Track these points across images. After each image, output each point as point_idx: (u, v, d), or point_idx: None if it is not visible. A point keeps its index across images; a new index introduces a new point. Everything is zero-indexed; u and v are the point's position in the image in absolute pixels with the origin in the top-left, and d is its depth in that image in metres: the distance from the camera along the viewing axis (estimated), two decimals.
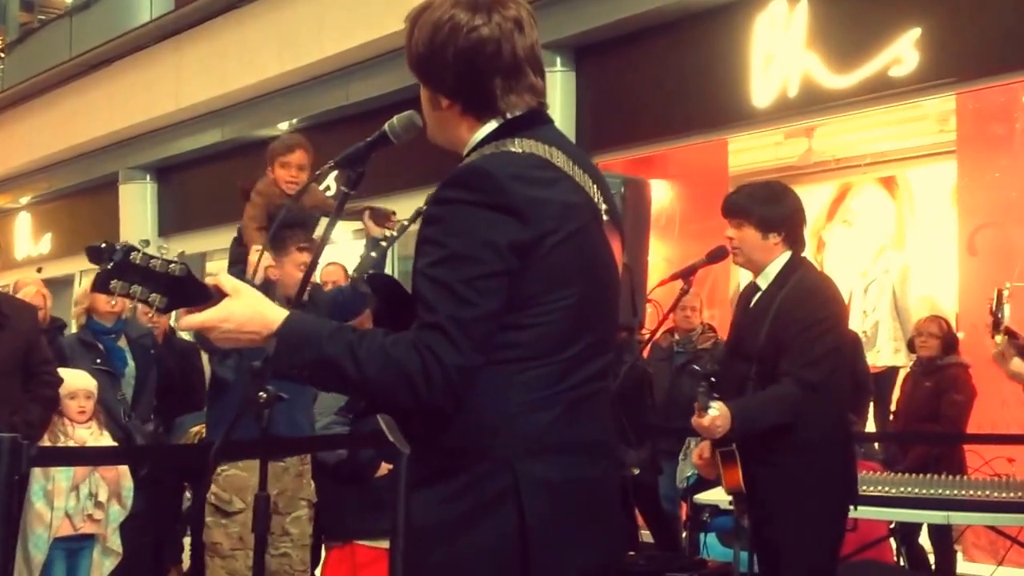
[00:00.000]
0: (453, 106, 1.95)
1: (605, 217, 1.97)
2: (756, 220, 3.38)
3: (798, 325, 3.26)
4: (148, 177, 12.99)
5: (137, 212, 12.91)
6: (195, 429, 5.53)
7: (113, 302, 5.48)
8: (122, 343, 5.55)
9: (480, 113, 1.94)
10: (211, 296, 1.83)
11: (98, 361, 5.33)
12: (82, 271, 13.62)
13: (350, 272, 5.41)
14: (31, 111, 14.35)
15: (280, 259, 4.43)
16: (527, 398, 1.83)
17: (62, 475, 4.64)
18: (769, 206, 3.39)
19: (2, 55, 15.67)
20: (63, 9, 14.63)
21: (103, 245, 1.77)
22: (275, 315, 1.83)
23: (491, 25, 1.90)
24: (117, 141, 12.80)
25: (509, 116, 1.93)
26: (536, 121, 1.95)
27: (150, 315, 5.97)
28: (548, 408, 1.84)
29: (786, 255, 3.38)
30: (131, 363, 5.54)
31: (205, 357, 6.20)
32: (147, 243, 1.81)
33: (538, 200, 1.83)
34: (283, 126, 10.61)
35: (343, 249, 4.95)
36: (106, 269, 1.77)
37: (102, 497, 4.75)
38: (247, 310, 1.84)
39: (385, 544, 4.60)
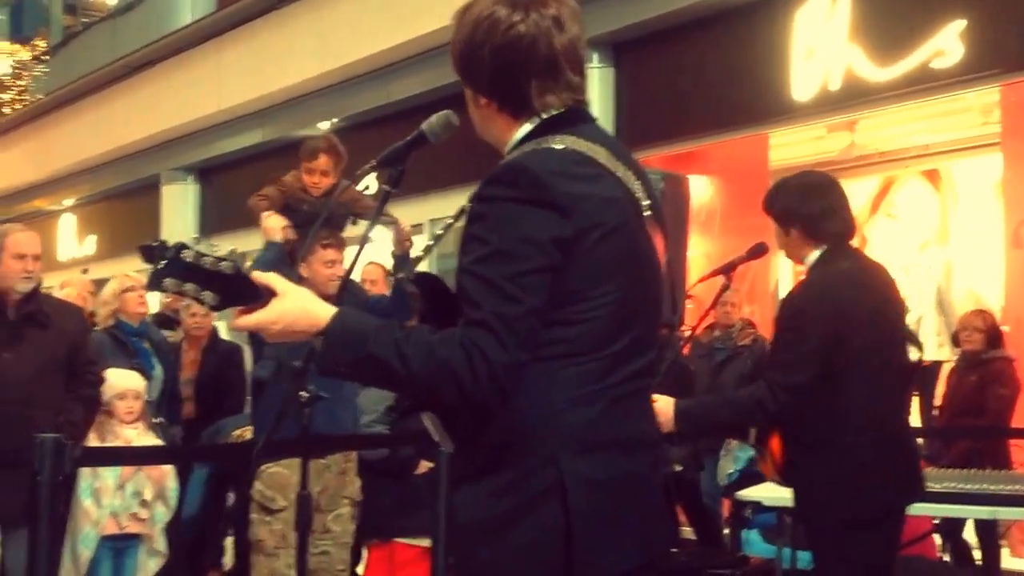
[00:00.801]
0: (491, 104, 1.96)
1: (648, 213, 1.97)
2: (774, 215, 3.32)
3: (778, 326, 3.23)
4: (190, 178, 13.11)
5: (179, 213, 13.03)
6: (237, 432, 5.58)
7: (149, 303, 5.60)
8: (146, 345, 5.60)
9: (516, 113, 1.95)
10: (261, 293, 1.85)
11: (134, 360, 5.38)
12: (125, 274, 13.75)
13: (391, 270, 5.44)
14: (75, 114, 14.52)
15: (307, 259, 4.48)
16: (571, 394, 1.84)
17: (109, 473, 4.69)
18: (779, 199, 3.31)
19: (46, 58, 15.86)
20: (105, 12, 14.78)
21: (155, 244, 1.79)
22: (323, 313, 1.85)
23: (527, 23, 1.90)
24: (159, 143, 12.93)
25: (545, 116, 1.93)
26: (577, 118, 1.95)
27: (196, 317, 6.06)
28: (592, 404, 1.85)
29: (821, 248, 3.24)
30: (158, 366, 5.58)
31: (248, 359, 6.27)
32: (198, 240, 1.82)
33: (580, 195, 1.83)
34: (323, 126, 10.67)
35: (382, 248, 4.97)
36: (159, 268, 1.79)
37: (147, 496, 4.79)
38: (296, 310, 1.86)
39: (424, 542, 4.61)
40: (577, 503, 1.80)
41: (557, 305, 1.82)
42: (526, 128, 1.94)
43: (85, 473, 4.61)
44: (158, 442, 5.03)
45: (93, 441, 4.67)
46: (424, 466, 4.83)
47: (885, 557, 3.25)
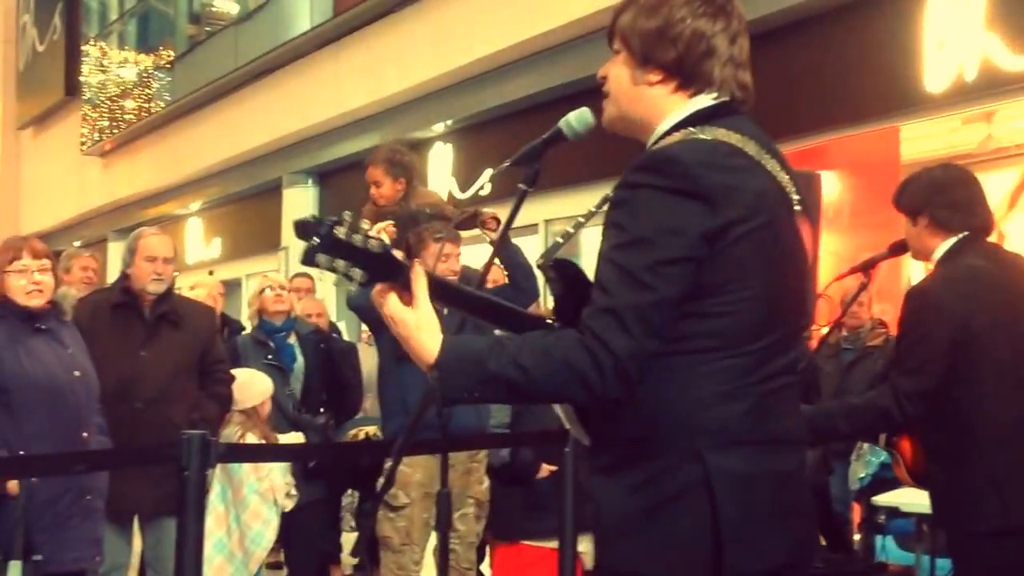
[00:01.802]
0: (667, 80, 1.93)
1: (797, 208, 1.93)
2: (903, 206, 3.18)
3: (902, 324, 3.09)
4: (310, 181, 13.35)
5: (300, 215, 13.19)
6: (352, 432, 5.65)
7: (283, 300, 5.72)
8: (292, 340, 5.72)
9: (695, 87, 1.93)
10: (406, 273, 1.85)
11: (268, 357, 5.54)
12: (248, 275, 14.09)
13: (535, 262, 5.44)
14: (200, 120, 14.92)
15: (421, 256, 4.45)
16: (716, 389, 1.80)
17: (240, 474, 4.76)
18: (906, 188, 3.18)
19: (170, 66, 16.31)
20: (228, 21, 15.13)
21: (311, 219, 1.80)
22: (432, 347, 1.82)
23: (725, 20, 1.94)
24: (280, 147, 13.19)
25: (718, 97, 1.92)
26: (727, 111, 1.93)
27: (311, 317, 6.14)
28: (739, 400, 1.81)
29: (948, 242, 3.08)
30: (300, 359, 5.70)
31: (364, 359, 6.33)
32: (350, 214, 1.83)
33: (727, 186, 1.80)
34: (438, 127, 10.76)
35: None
36: (312, 244, 1.79)
37: (273, 497, 4.86)
38: (411, 328, 1.84)
39: (548, 543, 4.57)
40: (724, 500, 1.77)
41: (699, 297, 1.78)
42: (694, 105, 1.91)
43: (217, 477, 4.70)
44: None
45: None
46: (546, 470, 4.80)
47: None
